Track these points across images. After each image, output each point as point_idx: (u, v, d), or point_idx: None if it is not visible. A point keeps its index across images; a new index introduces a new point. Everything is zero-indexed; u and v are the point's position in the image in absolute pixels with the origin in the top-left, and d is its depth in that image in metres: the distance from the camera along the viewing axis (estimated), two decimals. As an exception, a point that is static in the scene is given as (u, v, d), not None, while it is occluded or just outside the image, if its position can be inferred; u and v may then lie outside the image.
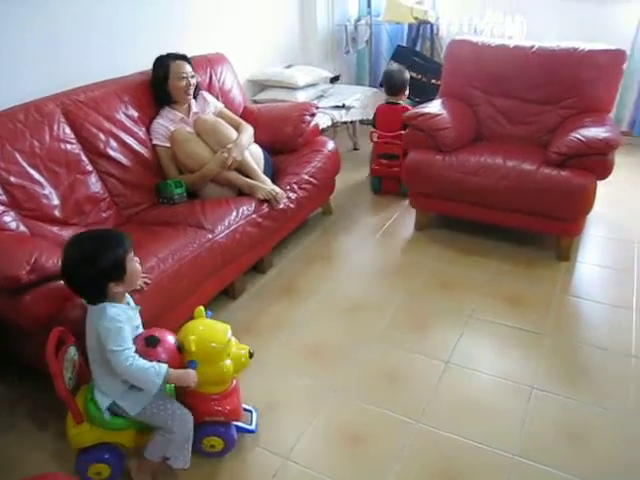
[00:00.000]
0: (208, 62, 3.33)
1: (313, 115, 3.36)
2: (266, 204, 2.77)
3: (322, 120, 3.83)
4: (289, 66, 4.39)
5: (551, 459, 1.89)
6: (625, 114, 4.68)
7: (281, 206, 2.81)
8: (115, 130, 2.73)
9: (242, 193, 2.81)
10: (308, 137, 3.32)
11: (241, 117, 3.28)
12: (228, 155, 2.74)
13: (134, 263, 1.75)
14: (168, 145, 2.85)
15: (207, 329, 1.84)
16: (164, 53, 2.90)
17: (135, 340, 1.74)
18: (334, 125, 4.13)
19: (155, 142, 2.86)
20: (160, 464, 1.82)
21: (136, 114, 2.85)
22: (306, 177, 3.05)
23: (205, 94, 3.09)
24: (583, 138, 2.81)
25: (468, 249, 3.07)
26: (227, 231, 2.54)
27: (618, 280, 2.86)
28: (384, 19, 4.81)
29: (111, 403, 1.75)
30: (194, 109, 2.96)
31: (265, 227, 2.75)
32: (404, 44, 4.95)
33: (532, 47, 3.39)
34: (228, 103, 3.31)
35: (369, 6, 4.95)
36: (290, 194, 2.92)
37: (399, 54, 4.63)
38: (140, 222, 2.66)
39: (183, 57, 2.91)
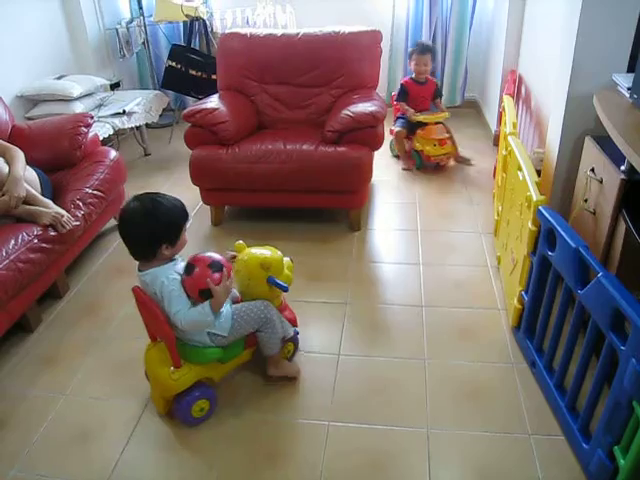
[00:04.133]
0: (-40, 82, 3.02)
1: (89, 126, 3.19)
2: (51, 228, 2.59)
3: (102, 130, 3.67)
4: (60, 77, 4.13)
5: (361, 416, 2.00)
6: (397, 90, 5.05)
7: (68, 228, 2.64)
8: None
9: (22, 221, 2.59)
10: (87, 149, 3.16)
11: (10, 137, 3.03)
12: (9, 197, 2.52)
13: (185, 235, 1.90)
14: None
15: (264, 251, 2.06)
16: None
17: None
18: (118, 133, 3.97)
19: None
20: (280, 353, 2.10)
21: None
22: (90, 191, 2.90)
23: None
24: (352, 114, 3.01)
25: (266, 236, 3.09)
26: (6, 262, 2.32)
27: (405, 240, 3.12)
28: (155, 19, 4.72)
29: (206, 336, 1.92)
30: None
31: (51, 251, 2.56)
32: (181, 43, 4.91)
33: (298, 34, 3.54)
34: (-9, 124, 3.03)
35: (140, 7, 4.82)
36: (76, 211, 2.75)
37: (175, 53, 4.59)
38: None
39: None
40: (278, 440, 1.94)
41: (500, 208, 2.91)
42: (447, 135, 3.90)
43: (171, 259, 1.89)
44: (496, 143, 4.09)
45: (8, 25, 3.81)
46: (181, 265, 1.90)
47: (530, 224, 2.09)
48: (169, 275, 1.83)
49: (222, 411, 2.04)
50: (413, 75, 4.03)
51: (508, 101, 3.16)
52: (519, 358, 2.22)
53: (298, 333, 2.27)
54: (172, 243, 1.84)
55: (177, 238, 1.85)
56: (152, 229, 1.79)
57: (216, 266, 1.86)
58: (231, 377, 2.13)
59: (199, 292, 1.85)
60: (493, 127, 4.37)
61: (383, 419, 1.99)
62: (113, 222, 3.37)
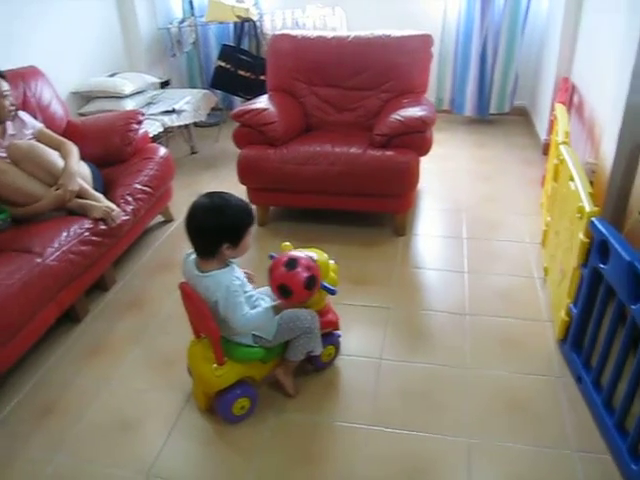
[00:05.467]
0: (20, 77, 3.10)
1: (140, 123, 3.26)
2: (102, 222, 2.65)
3: (152, 127, 3.73)
4: (113, 74, 4.23)
5: (401, 422, 1.99)
6: (445, 95, 5.03)
7: (118, 222, 2.70)
8: None
9: (74, 213, 2.66)
10: (138, 145, 3.23)
11: (65, 132, 3.12)
12: (64, 191, 2.59)
13: (250, 238, 1.90)
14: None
15: (310, 253, 2.02)
16: None
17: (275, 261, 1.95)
18: (167, 131, 4.04)
19: (-33, 169, 2.61)
20: (298, 363, 2.09)
21: None
22: (139, 187, 2.96)
23: (22, 114, 2.83)
24: (402, 118, 2.99)
25: (311, 237, 3.13)
26: (58, 253, 2.39)
27: (449, 247, 3.08)
28: (207, 19, 4.78)
29: (250, 338, 1.96)
30: (10, 131, 2.71)
31: (101, 244, 2.63)
32: (231, 43, 4.97)
33: (348, 37, 3.54)
34: (48, 119, 3.12)
35: (192, 7, 4.92)
36: (125, 206, 2.81)
37: (225, 53, 4.63)
38: (-39, 256, 2.43)
39: None
40: (316, 441, 1.94)
41: (549, 218, 2.85)
42: None
43: (228, 264, 1.90)
44: (545, 152, 4.01)
45: (65, 23, 3.92)
46: (238, 272, 1.92)
47: (582, 235, 2.04)
48: (233, 280, 1.85)
49: (262, 410, 2.05)
50: None
51: (560, 109, 3.10)
52: (564, 372, 2.17)
53: (340, 336, 2.27)
54: (234, 243, 1.84)
55: (240, 239, 1.85)
56: (217, 225, 1.81)
57: (312, 282, 1.90)
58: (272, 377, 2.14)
59: (280, 286, 1.88)
60: (542, 136, 4.28)
61: (423, 426, 1.97)
62: (160, 218, 3.44)
